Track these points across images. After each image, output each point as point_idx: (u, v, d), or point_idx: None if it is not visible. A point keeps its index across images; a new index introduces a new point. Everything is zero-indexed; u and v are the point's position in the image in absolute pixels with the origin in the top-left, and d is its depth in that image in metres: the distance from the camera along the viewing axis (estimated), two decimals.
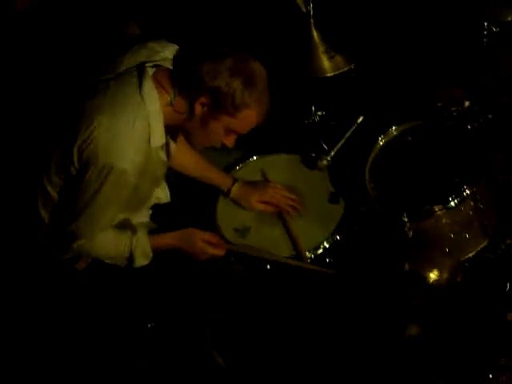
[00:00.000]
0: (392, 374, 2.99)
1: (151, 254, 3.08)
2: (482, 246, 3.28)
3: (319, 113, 3.57)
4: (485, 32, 3.50)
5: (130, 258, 3.06)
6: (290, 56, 3.55)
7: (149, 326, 3.18)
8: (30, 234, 3.18)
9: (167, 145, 2.99)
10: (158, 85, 2.80)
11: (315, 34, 3.47)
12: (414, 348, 2.97)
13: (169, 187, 3.36)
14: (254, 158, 3.58)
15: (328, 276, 3.18)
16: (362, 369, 3.09)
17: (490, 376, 2.87)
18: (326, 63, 3.46)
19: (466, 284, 3.07)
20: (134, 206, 3.10)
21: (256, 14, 4.10)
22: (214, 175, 3.40)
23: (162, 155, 2.94)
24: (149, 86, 2.78)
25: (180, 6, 4.13)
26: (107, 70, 2.88)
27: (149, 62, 2.83)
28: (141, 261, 3.07)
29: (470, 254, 3.27)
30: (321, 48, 3.47)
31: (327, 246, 3.20)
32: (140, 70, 2.81)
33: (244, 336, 3.25)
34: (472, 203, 3.20)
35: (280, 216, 3.34)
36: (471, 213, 3.22)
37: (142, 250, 3.06)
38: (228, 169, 3.53)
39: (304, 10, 3.43)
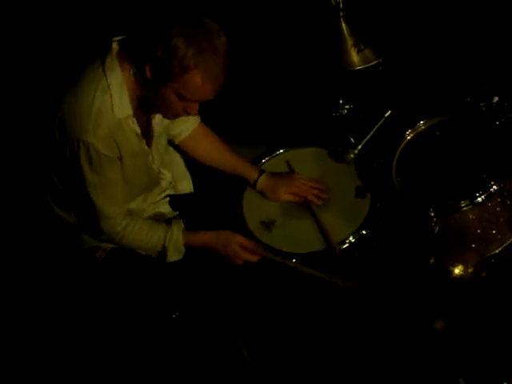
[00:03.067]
0: (413, 367, 3.00)
1: (184, 250, 3.12)
2: (508, 242, 3.27)
3: (347, 106, 3.55)
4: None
5: (163, 252, 3.11)
6: (318, 49, 3.53)
7: (173, 316, 3.20)
8: (45, 227, 3.25)
9: (146, 118, 3.02)
10: (121, 58, 2.83)
11: (344, 27, 3.44)
12: (437, 343, 2.97)
13: (193, 178, 3.39)
14: (281, 151, 3.58)
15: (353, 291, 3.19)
16: (383, 362, 3.10)
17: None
18: (354, 56, 3.43)
19: (492, 280, 3.07)
20: (132, 184, 3.09)
21: (285, 7, 4.09)
22: (240, 166, 3.41)
23: (134, 127, 2.94)
24: (111, 60, 2.83)
25: None
26: None
27: (115, 37, 2.87)
28: (173, 256, 3.12)
29: (497, 250, 3.25)
30: (350, 41, 3.44)
31: (353, 240, 3.20)
32: (106, 46, 2.86)
33: (269, 328, 3.26)
34: (499, 199, 3.18)
35: (306, 209, 3.35)
36: (498, 209, 3.20)
37: (175, 245, 3.09)
38: (255, 162, 3.53)
39: (333, 2, 3.41)
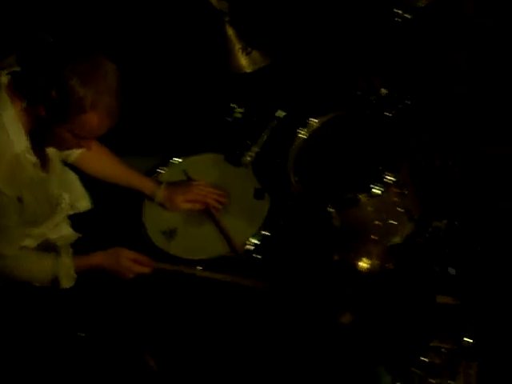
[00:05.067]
0: (331, 364, 3.02)
1: (75, 276, 3.07)
2: (408, 231, 3.31)
3: (240, 109, 3.56)
4: (398, 19, 3.53)
5: (55, 281, 3.05)
6: (206, 55, 3.54)
7: (80, 335, 3.15)
8: None
9: (40, 149, 2.96)
10: (11, 93, 2.77)
11: (230, 31, 3.46)
12: (349, 337, 2.99)
13: (91, 194, 3.35)
14: (177, 159, 3.56)
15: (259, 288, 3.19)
16: (300, 363, 3.10)
17: (423, 359, 2.91)
18: (243, 60, 3.46)
19: (396, 269, 3.11)
20: (36, 215, 3.03)
21: (169, 13, 4.07)
22: (136, 181, 3.37)
23: (31, 158, 2.89)
24: (0, 95, 2.76)
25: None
26: None
27: (3, 69, 2.80)
28: (65, 283, 3.06)
29: (398, 240, 3.29)
30: (237, 45, 3.46)
31: (256, 242, 3.20)
32: None
33: (175, 339, 3.23)
34: (396, 189, 3.21)
35: (207, 214, 3.34)
36: (396, 199, 3.24)
37: (66, 272, 3.05)
38: (151, 172, 3.50)
39: (218, 7, 3.41)
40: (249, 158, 3.39)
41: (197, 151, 3.57)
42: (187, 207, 3.36)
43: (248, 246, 3.20)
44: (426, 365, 2.94)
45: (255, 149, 3.40)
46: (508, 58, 3.73)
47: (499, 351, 3.07)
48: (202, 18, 3.61)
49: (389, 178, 3.16)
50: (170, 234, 3.28)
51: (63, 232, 3.25)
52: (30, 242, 3.09)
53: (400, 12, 3.52)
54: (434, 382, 2.94)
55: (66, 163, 3.30)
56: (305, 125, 3.45)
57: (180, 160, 3.56)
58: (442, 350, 2.97)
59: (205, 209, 3.35)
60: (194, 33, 3.73)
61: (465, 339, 2.98)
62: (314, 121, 3.46)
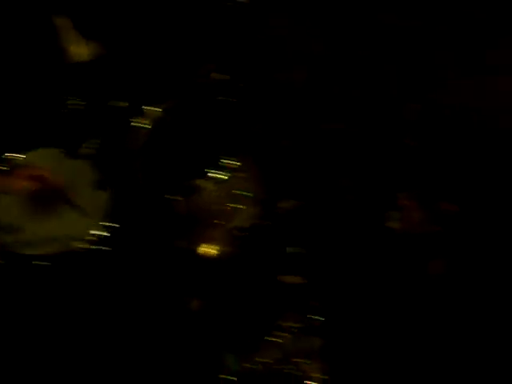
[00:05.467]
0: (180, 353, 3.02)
1: None
2: (254, 213, 3.34)
3: (78, 101, 3.52)
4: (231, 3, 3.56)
5: None
6: (39, 46, 3.48)
7: None
8: None
9: None
10: None
11: (64, 21, 3.42)
12: (196, 324, 3.00)
13: None
14: (14, 155, 3.48)
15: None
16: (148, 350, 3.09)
17: (269, 339, 2.93)
18: (78, 50, 3.44)
19: (242, 253, 3.13)
20: None
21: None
22: None
23: None
24: None
25: None
26: None
27: None
28: None
29: (244, 223, 3.32)
30: (71, 35, 3.43)
31: (99, 234, 3.17)
32: None
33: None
34: (239, 174, 3.25)
35: (50, 208, 3.27)
36: (239, 183, 3.27)
37: None
38: None
39: None
40: (88, 150, 3.35)
41: (33, 147, 3.50)
42: (22, 186, 3.28)
43: (91, 238, 3.15)
44: (277, 345, 2.97)
45: (95, 140, 3.36)
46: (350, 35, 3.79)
47: (348, 327, 3.12)
48: (34, 7, 3.54)
49: (230, 162, 3.19)
50: (9, 229, 3.21)
51: None
52: None
53: None
54: (286, 362, 2.96)
55: None
56: (143, 114, 3.45)
57: (15, 156, 3.48)
58: (293, 329, 3.00)
59: (46, 200, 3.29)
60: (26, 23, 3.65)
61: (313, 317, 3.02)
62: (153, 109, 3.46)
